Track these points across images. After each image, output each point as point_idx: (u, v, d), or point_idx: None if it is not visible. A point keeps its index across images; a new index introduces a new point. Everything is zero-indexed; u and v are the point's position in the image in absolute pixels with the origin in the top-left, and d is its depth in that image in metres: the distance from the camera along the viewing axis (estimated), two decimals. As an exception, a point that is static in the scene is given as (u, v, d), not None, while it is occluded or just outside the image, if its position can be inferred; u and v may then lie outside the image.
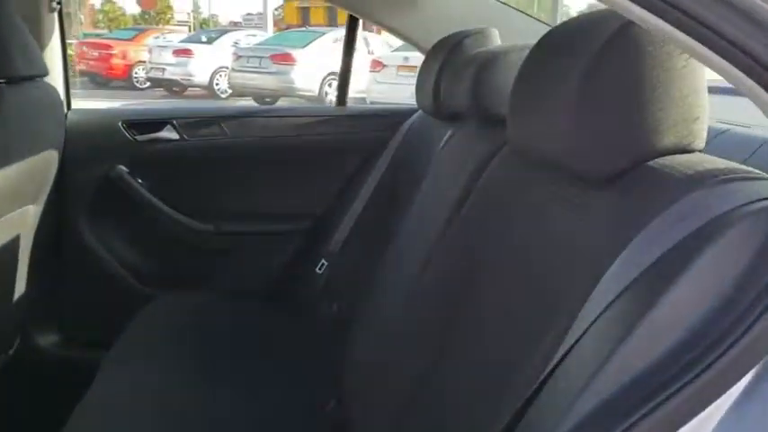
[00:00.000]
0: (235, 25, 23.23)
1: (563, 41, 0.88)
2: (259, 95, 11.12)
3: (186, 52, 12.35)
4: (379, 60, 9.33)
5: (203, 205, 2.05)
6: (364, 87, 10.15)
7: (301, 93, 10.83)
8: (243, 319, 1.88)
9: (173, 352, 1.60)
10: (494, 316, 0.96)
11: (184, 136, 2.02)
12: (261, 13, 25.04)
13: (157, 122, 2.01)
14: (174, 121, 2.01)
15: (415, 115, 1.97)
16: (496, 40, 1.57)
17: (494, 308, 0.97)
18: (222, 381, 1.51)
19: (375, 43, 12.16)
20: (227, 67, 11.81)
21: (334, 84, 10.83)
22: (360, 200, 1.98)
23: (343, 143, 2.09)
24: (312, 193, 2.07)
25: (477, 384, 0.93)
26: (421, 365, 1.09)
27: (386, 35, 16.44)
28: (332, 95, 11.01)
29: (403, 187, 1.78)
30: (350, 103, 2.27)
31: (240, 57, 11.35)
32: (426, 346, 1.11)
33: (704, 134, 0.81)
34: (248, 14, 27.88)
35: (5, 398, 1.75)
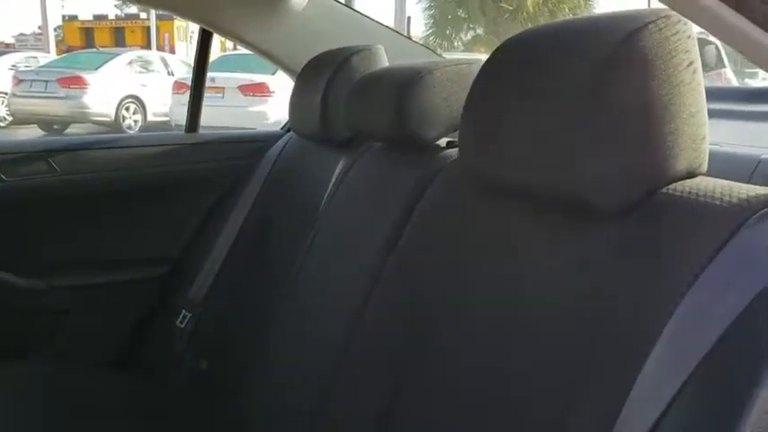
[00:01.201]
0: (7, 47, 21.02)
1: (544, 54, 0.77)
2: (47, 122, 10.25)
3: (-50, 79, 10.94)
4: (183, 82, 8.91)
5: (31, 258, 1.70)
6: (167, 110, 9.71)
7: (96, 118, 10.11)
8: (94, 391, 1.57)
9: None
10: (453, 388, 0.82)
11: (2, 177, 1.66)
12: (37, 33, 22.99)
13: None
14: None
15: (284, 140, 1.78)
16: (384, 58, 1.44)
17: (455, 378, 0.83)
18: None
19: (174, 64, 11.66)
20: (5, 93, 10.65)
21: (132, 107, 10.47)
22: (225, 238, 1.75)
23: (198, 174, 1.84)
24: (166, 233, 1.80)
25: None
26: None
27: (182, 55, 15.92)
28: (129, 120, 10.40)
29: (283, 224, 1.58)
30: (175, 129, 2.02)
31: (22, 81, 10.33)
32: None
33: (707, 156, 0.73)
34: (21, 35, 25.48)
35: None
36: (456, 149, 0.97)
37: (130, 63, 10.89)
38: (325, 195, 1.34)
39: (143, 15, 20.08)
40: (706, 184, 0.69)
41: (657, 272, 0.64)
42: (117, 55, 11.12)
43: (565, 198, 0.73)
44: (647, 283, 0.65)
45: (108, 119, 10.19)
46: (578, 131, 0.70)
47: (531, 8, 17.14)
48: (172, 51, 17.84)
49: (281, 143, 1.79)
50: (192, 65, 1.92)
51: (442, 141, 1.12)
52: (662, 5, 0.67)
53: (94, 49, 13.60)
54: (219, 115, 6.09)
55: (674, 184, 0.70)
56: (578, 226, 0.74)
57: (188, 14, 1.78)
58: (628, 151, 0.68)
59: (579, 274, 0.72)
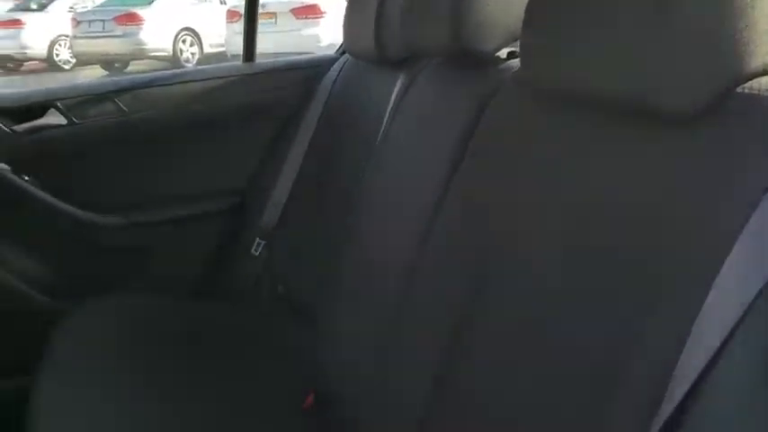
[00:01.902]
0: (62, -13, 21.19)
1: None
2: (108, 61, 10.38)
3: (15, 23, 11.15)
4: (235, 10, 8.85)
5: (108, 197, 1.77)
6: (222, 41, 9.70)
7: (154, 53, 10.17)
8: (179, 320, 1.66)
9: (111, 369, 1.37)
10: (526, 313, 0.82)
11: (73, 119, 1.71)
12: (89, -27, 23.13)
13: (37, 107, 1.69)
14: (59, 103, 1.70)
15: (339, 63, 1.76)
16: None
17: (527, 300, 0.82)
18: (180, 390, 1.31)
19: (223, -7, 11.56)
20: (66, 36, 10.81)
21: (188, 40, 10.36)
22: (290, 165, 1.78)
23: (259, 103, 1.85)
24: (234, 165, 1.84)
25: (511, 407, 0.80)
26: (423, 363, 0.94)
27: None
28: (187, 53, 10.44)
29: (344, 147, 1.59)
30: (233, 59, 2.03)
31: (80, 22, 10.42)
32: (431, 341, 0.95)
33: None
34: (75, -26, 25.63)
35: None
36: (517, 60, 0.95)
37: (183, -6, 10.84)
38: (385, 116, 1.34)
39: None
40: None
41: (734, 174, 0.62)
42: (168, -13, 11.09)
43: (636, 105, 0.70)
44: (722, 188, 0.63)
45: (166, 53, 10.24)
46: (648, 32, 0.67)
47: None
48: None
49: (336, 66, 1.78)
50: (243, -8, 1.90)
51: (503, 53, 1.09)
52: None
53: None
54: (273, 42, 6.06)
55: (751, 82, 0.66)
56: (651, 133, 0.71)
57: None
58: (700, 50, 0.65)
59: (653, 184, 0.70)
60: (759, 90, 0.65)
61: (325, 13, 8.26)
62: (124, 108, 1.74)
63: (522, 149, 0.89)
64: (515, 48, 1.04)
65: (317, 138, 1.73)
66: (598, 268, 0.73)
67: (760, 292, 0.56)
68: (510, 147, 0.91)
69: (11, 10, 12.14)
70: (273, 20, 8.34)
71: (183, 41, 10.43)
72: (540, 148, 0.86)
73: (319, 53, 2.18)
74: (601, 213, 0.75)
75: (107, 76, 9.04)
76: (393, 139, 1.28)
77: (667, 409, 0.57)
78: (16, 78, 10.92)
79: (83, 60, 10.68)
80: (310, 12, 8.52)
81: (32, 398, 1.28)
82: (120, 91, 1.76)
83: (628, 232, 0.71)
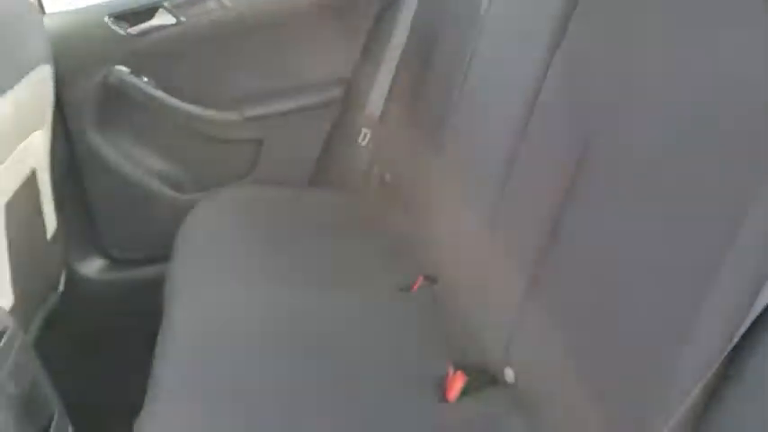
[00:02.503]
0: None
1: None
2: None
3: None
4: None
5: (220, 93, 1.83)
6: None
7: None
8: (295, 208, 1.74)
9: (236, 255, 1.47)
10: (626, 200, 0.79)
11: (180, 18, 1.76)
12: None
13: (147, 9, 1.75)
14: (165, 3, 1.75)
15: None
16: None
17: (628, 184, 0.79)
18: (297, 274, 1.40)
19: None
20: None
21: None
22: (392, 51, 1.76)
23: None
24: (338, 53, 1.84)
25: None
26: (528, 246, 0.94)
27: None
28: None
29: (447, 27, 1.55)
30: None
31: None
32: (536, 218, 0.95)
33: None
34: None
35: (67, 335, 1.65)
36: None
37: None
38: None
39: None
40: None
41: None
42: None
43: None
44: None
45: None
46: None
47: None
48: None
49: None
50: None
51: None
52: None
53: None
54: None
55: None
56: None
57: None
58: None
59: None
60: None
61: None
62: (226, 2, 1.76)
63: (631, 18, 0.83)
64: None
65: (417, 19, 1.69)
66: (705, 149, 0.70)
67: None
68: (618, 15, 0.86)
69: None
70: None
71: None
72: (654, 18, 0.80)
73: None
74: (719, 91, 0.70)
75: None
76: (495, 11, 1.23)
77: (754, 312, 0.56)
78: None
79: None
80: None
81: (167, 282, 1.40)
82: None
83: (745, 113, 0.66)
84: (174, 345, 1.15)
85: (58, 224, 1.63)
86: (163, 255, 1.56)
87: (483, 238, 1.07)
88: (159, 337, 1.18)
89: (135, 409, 1.00)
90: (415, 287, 1.39)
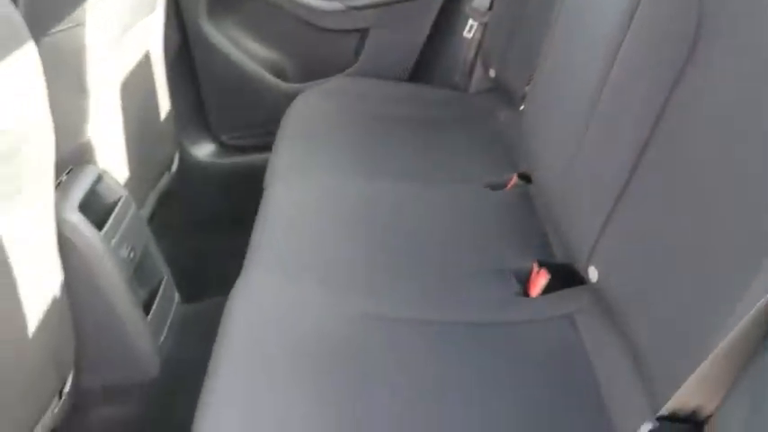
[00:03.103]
0: None
1: None
2: None
3: None
4: None
5: None
6: None
7: None
8: (397, 100, 1.74)
9: (336, 144, 1.51)
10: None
11: None
12: None
13: None
14: None
15: None
16: None
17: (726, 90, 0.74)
18: (401, 167, 1.42)
19: None
20: None
21: None
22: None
23: None
24: None
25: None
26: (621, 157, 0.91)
27: None
28: None
29: None
30: None
31: None
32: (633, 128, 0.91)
33: None
34: None
35: (176, 214, 1.76)
36: None
37: None
38: None
39: None
40: None
41: None
42: None
43: None
44: None
45: None
46: None
47: None
48: None
49: None
50: None
51: None
52: None
53: None
54: None
55: None
56: None
57: None
58: None
59: None
60: None
61: None
62: None
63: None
64: None
65: None
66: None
67: None
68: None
69: None
70: None
71: None
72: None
73: None
74: None
75: None
76: None
77: None
78: None
79: None
80: None
81: (268, 168, 1.46)
82: None
83: None
84: (271, 224, 1.21)
85: (171, 107, 1.71)
86: (268, 143, 1.61)
87: (580, 140, 1.04)
88: (257, 217, 1.24)
89: (232, 280, 1.07)
90: (510, 185, 1.38)
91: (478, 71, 1.79)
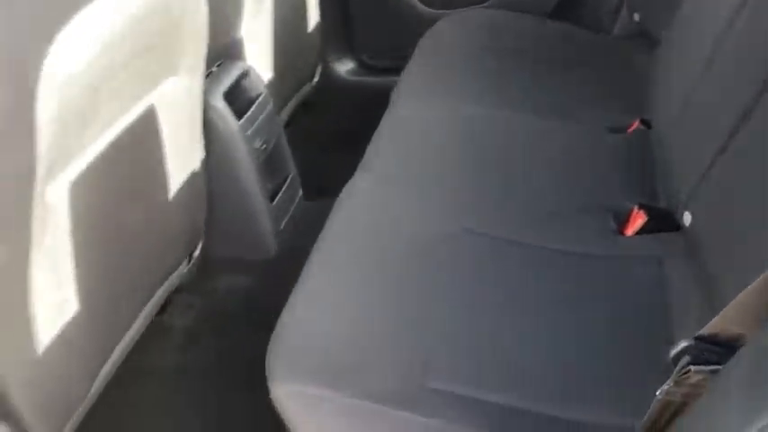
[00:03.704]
0: None
1: None
2: None
3: None
4: None
5: None
6: None
7: None
8: (536, 38, 1.74)
9: (464, 74, 1.55)
10: None
11: None
12: None
13: None
14: None
15: None
16: None
17: None
18: (524, 102, 1.45)
19: None
20: None
21: None
22: None
23: None
24: None
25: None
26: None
27: None
28: None
29: None
30: None
31: None
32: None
33: None
34: None
35: (311, 124, 1.88)
36: None
37: None
38: None
39: None
40: None
41: None
42: None
43: None
44: None
45: None
46: None
47: None
48: None
49: None
50: None
51: None
52: None
53: None
54: None
55: None
56: None
57: None
58: None
59: None
60: None
61: None
62: None
63: None
64: None
65: None
66: None
67: None
68: None
69: None
70: None
71: None
72: None
73: None
74: None
75: None
76: None
77: None
78: None
79: None
80: None
81: (395, 88, 1.53)
82: None
83: None
84: (388, 137, 1.30)
85: (320, 21, 1.81)
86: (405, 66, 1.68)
87: (695, 91, 1.04)
88: (377, 130, 1.33)
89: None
90: (631, 129, 1.38)
91: (624, 15, 1.75)
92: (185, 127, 1.14)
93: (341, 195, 1.13)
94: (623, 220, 1.13)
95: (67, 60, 0.75)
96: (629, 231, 1.11)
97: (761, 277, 0.57)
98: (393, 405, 0.81)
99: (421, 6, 1.93)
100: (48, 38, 0.73)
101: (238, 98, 1.30)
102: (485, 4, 1.89)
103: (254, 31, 1.41)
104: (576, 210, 1.15)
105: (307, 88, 1.86)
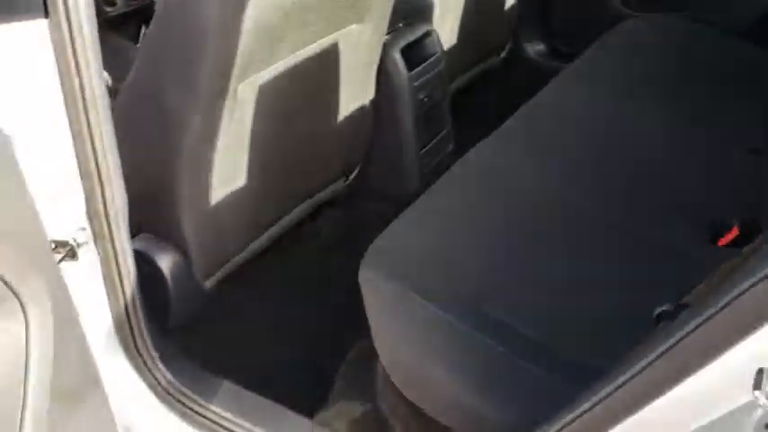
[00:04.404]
0: None
1: None
2: None
3: None
4: None
5: None
6: None
7: None
8: (723, 52, 1.74)
9: (626, 76, 1.63)
10: None
11: None
12: None
13: None
14: None
15: None
16: None
17: None
18: (673, 111, 1.51)
19: None
20: None
21: None
22: None
23: None
24: None
25: None
26: None
27: None
28: None
29: None
30: None
31: None
32: None
33: None
34: None
35: (490, 94, 2.05)
36: None
37: None
38: None
39: None
40: None
41: None
42: None
43: None
44: None
45: None
46: None
47: None
48: None
49: None
50: None
51: None
52: None
53: None
54: None
55: None
56: None
57: None
58: None
59: None
60: None
61: None
62: None
63: None
64: None
65: None
66: None
67: None
68: None
69: None
70: None
71: None
72: None
73: None
74: None
75: None
76: None
77: None
78: None
79: None
80: None
81: (564, 70, 1.66)
82: None
83: None
84: (525, 118, 1.45)
85: (516, 1, 1.97)
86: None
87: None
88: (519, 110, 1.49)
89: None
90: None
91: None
92: (362, 67, 1.38)
93: (469, 151, 1.32)
94: (720, 231, 1.20)
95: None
96: (721, 242, 1.18)
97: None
98: (455, 316, 1.01)
99: (619, 5, 2.01)
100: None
101: (415, 54, 1.52)
102: (682, 13, 1.93)
103: (446, 2, 1.62)
104: (676, 212, 1.22)
105: (493, 60, 2.03)
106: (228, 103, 1.07)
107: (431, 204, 1.20)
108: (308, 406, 1.22)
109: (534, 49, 2.18)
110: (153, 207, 1.16)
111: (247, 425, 1.09)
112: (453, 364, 1.00)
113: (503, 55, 2.08)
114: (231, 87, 1.06)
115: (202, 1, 0.99)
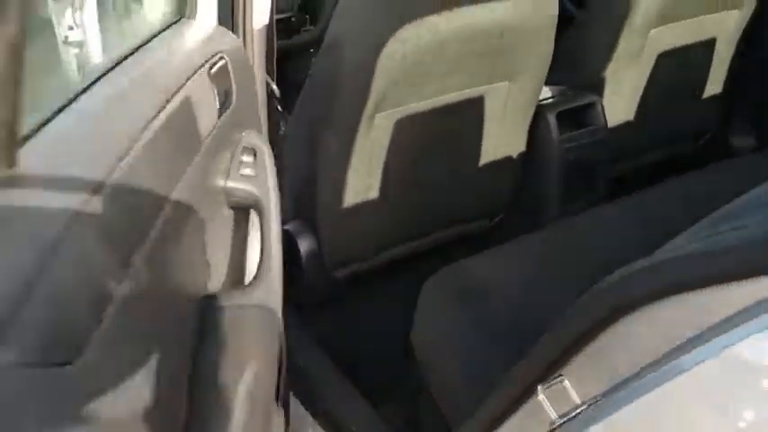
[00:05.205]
0: None
1: None
2: None
3: None
4: None
5: None
6: None
7: None
8: None
9: None
10: None
11: None
12: None
13: None
14: None
15: None
16: None
17: None
18: None
19: None
20: None
21: None
22: None
23: None
24: None
25: None
26: None
27: None
28: None
29: None
30: None
31: None
32: None
33: None
34: None
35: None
36: None
37: None
38: None
39: None
40: None
41: None
42: None
43: None
44: None
45: None
46: None
47: None
48: None
49: None
50: None
51: None
52: None
53: None
54: None
55: None
56: None
57: None
58: None
59: None
60: None
61: None
62: None
63: None
64: None
65: None
66: None
67: None
68: None
69: None
70: None
71: None
72: None
73: None
74: None
75: None
76: None
77: None
78: None
79: None
80: None
81: None
82: None
83: None
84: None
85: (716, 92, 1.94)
86: None
87: None
88: None
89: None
90: None
91: None
92: (510, 122, 1.53)
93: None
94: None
95: (407, 44, 1.24)
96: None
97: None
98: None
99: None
100: (398, 25, 1.22)
101: (571, 120, 1.63)
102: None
103: (619, 79, 1.70)
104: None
105: (681, 148, 2.00)
106: (362, 130, 1.31)
107: (524, 248, 1.32)
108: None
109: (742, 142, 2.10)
110: (303, 202, 1.44)
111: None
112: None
113: (701, 142, 2.05)
114: (364, 118, 1.30)
115: (343, 46, 1.25)
